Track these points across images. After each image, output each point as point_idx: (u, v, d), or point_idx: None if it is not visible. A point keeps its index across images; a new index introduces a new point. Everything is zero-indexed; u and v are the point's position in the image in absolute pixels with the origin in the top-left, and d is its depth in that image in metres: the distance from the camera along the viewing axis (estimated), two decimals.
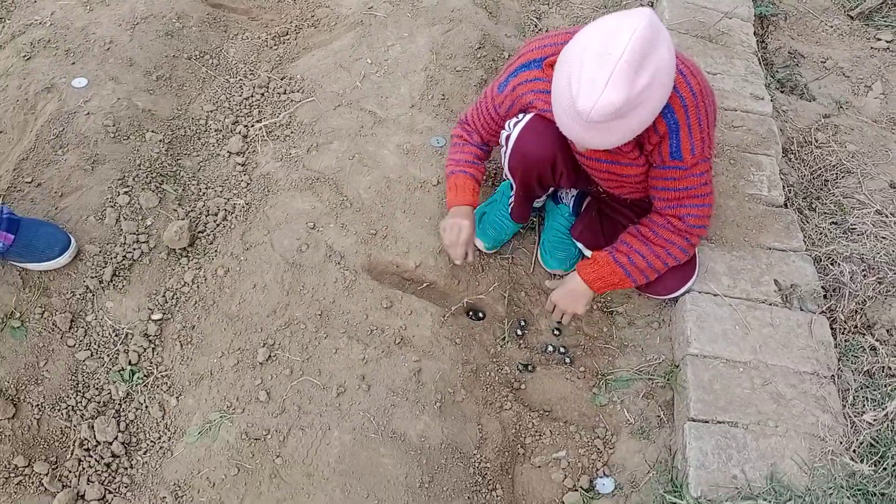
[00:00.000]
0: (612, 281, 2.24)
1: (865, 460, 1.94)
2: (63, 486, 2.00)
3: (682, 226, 2.08)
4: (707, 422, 2.03)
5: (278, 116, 2.96)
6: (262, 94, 3.04)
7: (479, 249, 2.55)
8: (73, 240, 2.28)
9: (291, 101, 3.02)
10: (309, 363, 2.21)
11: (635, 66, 1.63)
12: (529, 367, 2.38)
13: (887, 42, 3.57)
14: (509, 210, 2.44)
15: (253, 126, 2.87)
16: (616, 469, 2.16)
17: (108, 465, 2.04)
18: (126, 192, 2.52)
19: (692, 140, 1.91)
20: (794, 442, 1.98)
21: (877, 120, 3.26)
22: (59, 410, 2.09)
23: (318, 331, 2.26)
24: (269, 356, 2.20)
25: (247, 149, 2.80)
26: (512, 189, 2.31)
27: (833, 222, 2.66)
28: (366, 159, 2.73)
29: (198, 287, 2.36)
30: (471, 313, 2.51)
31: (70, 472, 2.02)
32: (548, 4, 3.57)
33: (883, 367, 2.15)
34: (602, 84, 1.63)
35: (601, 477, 2.16)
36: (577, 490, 2.10)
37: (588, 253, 2.47)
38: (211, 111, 2.88)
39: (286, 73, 3.08)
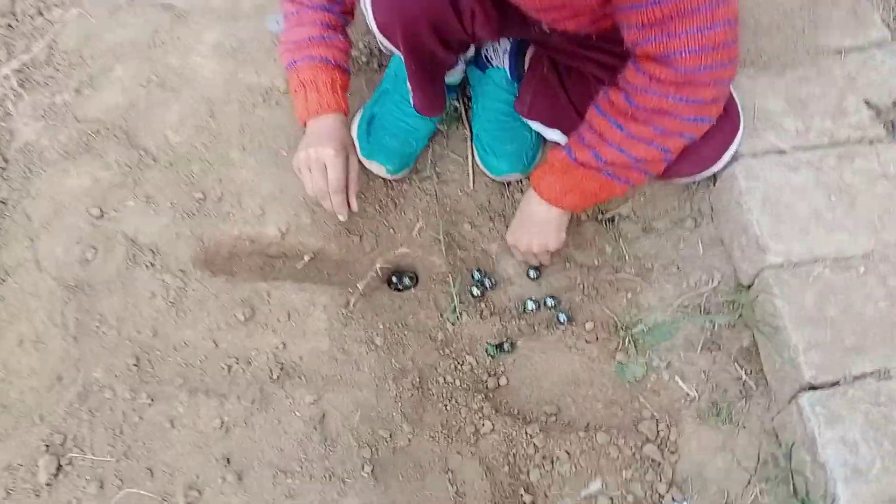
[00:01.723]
0: (589, 190, 1.34)
1: None
2: None
3: (671, 76, 1.15)
4: (837, 384, 1.11)
5: (32, 51, 1.93)
6: (9, 27, 2.00)
7: (381, 177, 1.58)
8: None
9: (49, 22, 1.99)
10: (128, 461, 1.31)
11: None
12: (506, 346, 1.48)
13: None
14: (411, 100, 1.53)
15: None
16: (692, 487, 1.32)
17: None
18: None
19: None
20: None
21: None
22: None
23: (136, 395, 1.37)
24: (60, 466, 1.31)
25: None
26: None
27: None
28: (169, 80, 1.75)
29: None
30: (394, 279, 1.58)
31: None
32: None
33: None
34: None
35: None
36: None
37: (552, 136, 1.41)
38: None
39: None
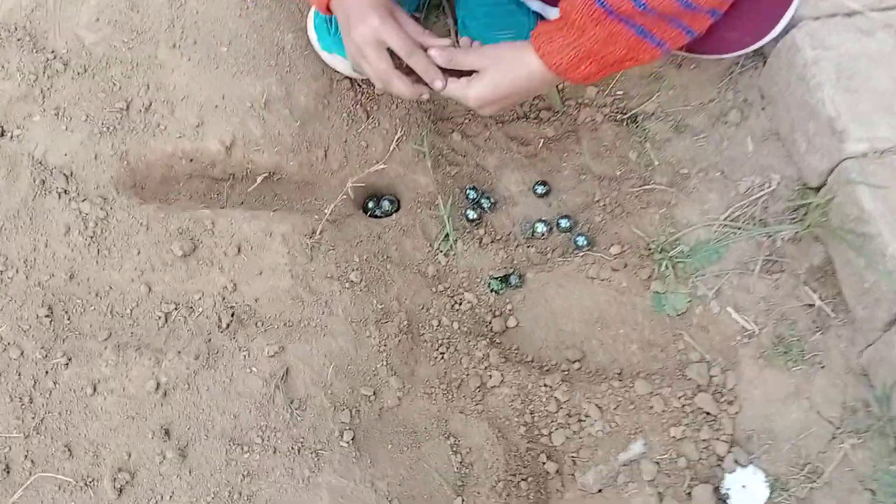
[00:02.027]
0: (613, 57, 1.03)
1: None
2: None
3: None
4: None
5: None
6: None
7: (346, 76, 1.34)
8: None
9: None
10: (41, 437, 1.06)
11: None
12: (513, 279, 1.24)
13: None
14: None
15: None
16: (759, 445, 1.09)
17: None
18: None
19: None
20: None
21: None
22: None
23: (49, 353, 1.11)
24: None
25: None
26: None
27: None
28: None
29: None
30: (370, 205, 1.35)
31: None
32: None
33: None
34: None
35: (732, 471, 1.08)
36: None
37: (553, 14, 1.21)
38: None
39: None
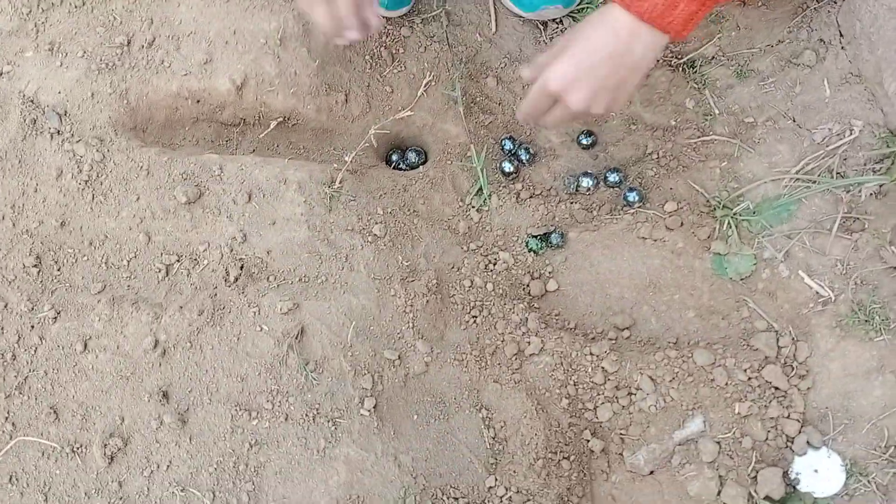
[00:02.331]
0: None
1: None
2: None
3: None
4: None
5: None
6: None
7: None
8: None
9: None
10: (24, 397, 0.99)
11: None
12: (554, 238, 1.15)
13: None
14: None
15: None
16: (834, 425, 1.00)
17: None
18: None
19: None
20: None
21: None
22: None
23: (35, 306, 1.04)
24: None
25: None
26: None
27: None
28: None
29: None
30: (394, 157, 1.26)
31: None
32: None
33: None
34: None
35: (803, 453, 0.99)
36: None
37: None
38: None
39: None
